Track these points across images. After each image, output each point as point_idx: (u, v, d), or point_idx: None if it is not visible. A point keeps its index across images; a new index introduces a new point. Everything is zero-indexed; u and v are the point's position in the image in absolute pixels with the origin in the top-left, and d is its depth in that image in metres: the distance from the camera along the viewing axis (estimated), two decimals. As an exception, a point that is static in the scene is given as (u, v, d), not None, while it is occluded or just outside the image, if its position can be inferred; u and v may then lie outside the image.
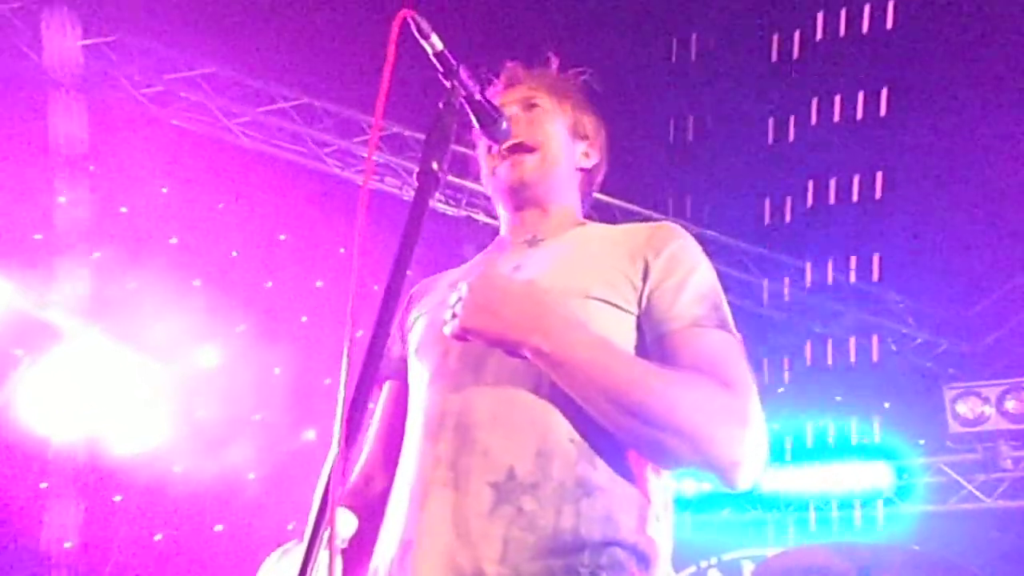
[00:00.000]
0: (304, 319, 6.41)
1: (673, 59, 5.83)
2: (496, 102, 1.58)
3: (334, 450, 0.91)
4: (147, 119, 6.06)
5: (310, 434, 6.11)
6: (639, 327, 1.36)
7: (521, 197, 1.57)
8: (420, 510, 1.30)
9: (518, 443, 1.27)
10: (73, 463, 5.11)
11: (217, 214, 6.19)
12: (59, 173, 5.48)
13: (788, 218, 6.36)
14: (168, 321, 5.66)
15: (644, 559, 1.27)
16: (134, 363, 5.54)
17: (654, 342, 1.34)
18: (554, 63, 1.68)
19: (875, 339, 6.72)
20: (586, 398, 1.20)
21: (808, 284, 6.66)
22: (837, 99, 5.93)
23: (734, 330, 1.36)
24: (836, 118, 5.96)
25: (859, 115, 5.93)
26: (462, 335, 1.25)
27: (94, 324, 5.44)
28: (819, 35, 5.74)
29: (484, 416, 1.31)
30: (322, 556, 0.88)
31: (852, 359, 6.62)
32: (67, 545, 5.12)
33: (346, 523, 1.29)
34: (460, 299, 1.27)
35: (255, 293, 6.28)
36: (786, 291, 6.59)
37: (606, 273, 1.39)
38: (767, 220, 6.41)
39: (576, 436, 1.27)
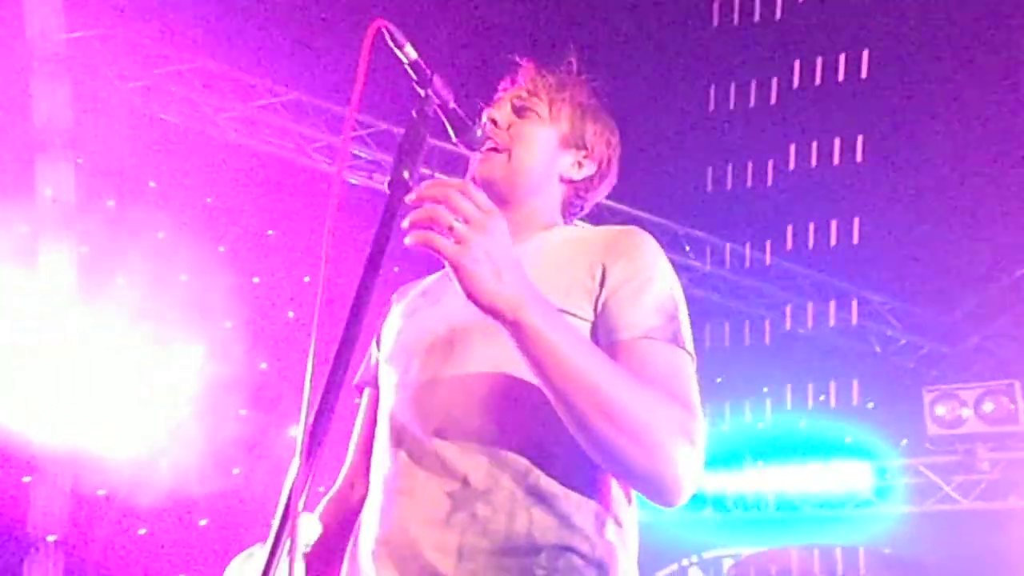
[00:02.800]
0: (291, 315, 6.42)
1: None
2: (496, 97, 1.59)
3: (297, 457, 0.93)
4: (136, 113, 6.05)
5: (295, 430, 6.11)
6: (594, 333, 1.35)
7: (489, 194, 1.57)
8: (383, 518, 1.32)
9: (473, 451, 1.28)
10: (58, 457, 5.11)
11: (205, 209, 6.19)
12: (43, 165, 5.47)
13: (773, 219, 6.40)
14: (154, 316, 5.66)
15: (602, 565, 1.28)
16: (120, 357, 5.53)
17: (606, 348, 1.30)
18: (573, 66, 1.64)
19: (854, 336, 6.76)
20: (557, 389, 1.17)
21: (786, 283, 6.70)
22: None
23: (688, 346, 1.34)
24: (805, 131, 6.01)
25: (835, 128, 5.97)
26: (458, 269, 1.10)
27: (80, 317, 5.43)
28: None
29: (441, 424, 1.32)
30: (284, 562, 0.90)
31: (835, 360, 6.68)
32: (51, 539, 5.12)
33: (310, 529, 1.31)
34: (469, 225, 1.10)
35: (242, 288, 6.27)
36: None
37: (562, 280, 1.38)
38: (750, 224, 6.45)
39: (531, 444, 1.28)
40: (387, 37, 1.27)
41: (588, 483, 1.30)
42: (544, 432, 1.27)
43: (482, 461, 1.28)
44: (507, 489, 1.26)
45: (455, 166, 6.39)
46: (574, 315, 1.35)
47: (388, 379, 1.47)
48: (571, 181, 1.61)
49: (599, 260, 1.39)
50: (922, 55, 5.88)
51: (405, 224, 1.11)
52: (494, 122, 1.55)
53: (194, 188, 6.15)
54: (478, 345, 1.36)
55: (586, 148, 1.60)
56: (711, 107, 6.11)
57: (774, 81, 5.99)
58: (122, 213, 5.95)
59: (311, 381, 0.98)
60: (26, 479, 5.16)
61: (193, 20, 5.91)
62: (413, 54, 1.31)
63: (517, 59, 1.65)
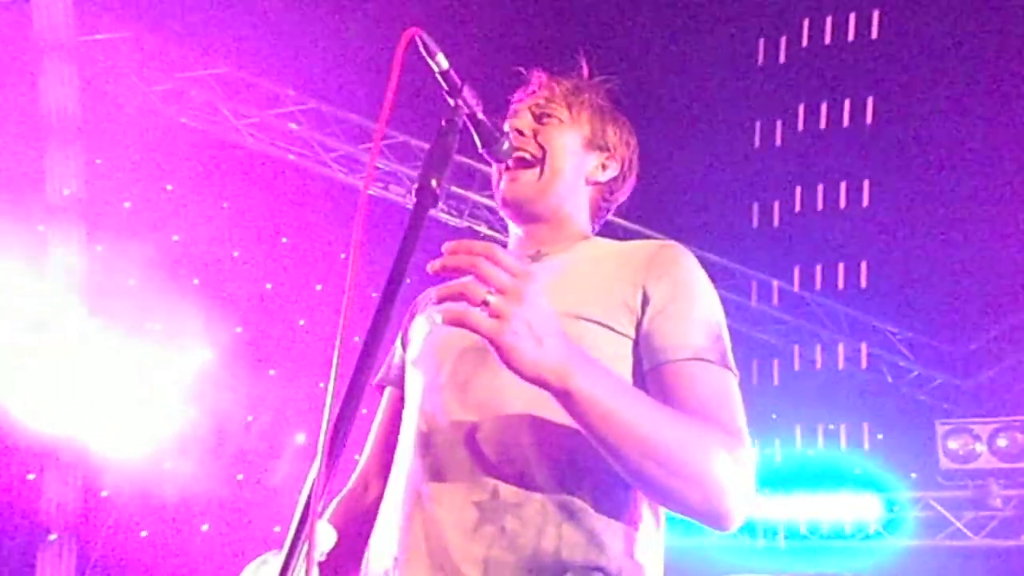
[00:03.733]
0: (302, 323, 6.42)
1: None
2: (512, 108, 1.58)
3: (317, 462, 0.91)
4: (156, 117, 6.09)
5: (300, 438, 6.10)
6: (635, 352, 1.34)
7: (520, 213, 1.55)
8: (406, 525, 1.30)
9: (504, 462, 1.26)
10: (63, 456, 5.11)
11: (220, 214, 6.21)
12: (56, 162, 5.49)
13: (786, 250, 6.38)
14: (165, 318, 5.67)
15: None
16: (129, 358, 5.53)
17: (652, 370, 1.31)
18: (584, 69, 1.63)
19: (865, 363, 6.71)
20: (609, 444, 1.15)
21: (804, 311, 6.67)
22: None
23: (733, 365, 1.33)
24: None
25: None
26: (501, 349, 1.05)
27: (91, 317, 5.44)
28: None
29: (472, 433, 1.30)
30: (299, 569, 0.88)
31: (846, 390, 6.63)
32: (52, 538, 5.11)
33: (326, 537, 1.29)
34: (504, 296, 1.05)
35: (254, 294, 6.28)
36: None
37: (603, 294, 1.37)
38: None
39: (563, 458, 1.27)
40: (420, 46, 1.27)
41: (619, 502, 1.29)
42: (578, 447, 1.25)
43: (513, 473, 1.26)
44: (537, 503, 1.24)
45: (468, 178, 6.39)
46: (614, 330, 1.34)
47: (415, 382, 1.45)
48: (597, 183, 1.60)
49: (641, 276, 1.38)
50: (929, 91, 5.90)
51: (433, 295, 1.09)
52: (519, 132, 1.53)
53: (210, 193, 6.17)
54: None
55: (609, 149, 1.59)
56: (727, 142, 6.14)
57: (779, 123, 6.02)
58: (138, 214, 5.98)
59: (334, 387, 0.96)
60: (30, 476, 5.15)
61: (216, 26, 5.96)
62: (445, 63, 1.30)
63: (523, 69, 1.64)
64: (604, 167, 1.59)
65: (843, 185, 6.09)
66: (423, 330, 1.51)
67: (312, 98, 6.28)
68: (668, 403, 1.26)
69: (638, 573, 1.28)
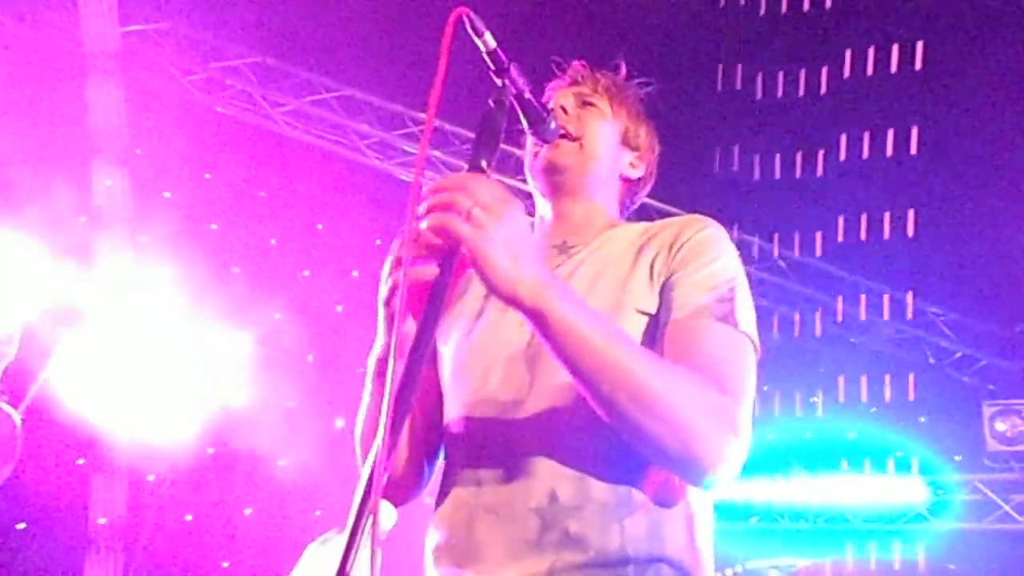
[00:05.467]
0: (339, 309, 6.46)
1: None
2: (553, 96, 1.57)
3: (379, 439, 0.91)
4: (192, 106, 6.14)
5: (340, 422, 6.16)
6: (654, 322, 1.34)
7: (557, 183, 1.54)
8: (467, 536, 1.30)
9: (559, 466, 1.26)
10: (111, 442, 5.21)
11: (257, 202, 6.26)
12: (99, 155, 5.57)
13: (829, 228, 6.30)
14: (206, 306, 5.74)
15: (690, 575, 1.27)
16: (171, 346, 5.62)
17: (661, 330, 1.31)
18: (622, 70, 1.65)
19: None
20: (580, 372, 1.15)
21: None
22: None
23: (745, 327, 1.30)
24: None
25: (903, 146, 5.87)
26: (476, 254, 1.06)
27: (134, 305, 5.53)
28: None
29: (525, 440, 1.29)
30: (363, 547, 0.88)
31: (889, 371, 6.53)
32: (101, 521, 5.22)
33: (387, 515, 1.29)
34: (486, 211, 1.06)
35: (292, 281, 6.34)
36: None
37: (636, 280, 1.37)
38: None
39: (622, 456, 1.26)
40: (467, 24, 1.26)
41: (676, 494, 1.30)
42: (632, 444, 1.24)
43: (571, 475, 1.25)
44: (597, 502, 1.25)
45: (498, 163, 6.37)
46: (643, 312, 1.34)
47: (459, 384, 1.43)
48: (627, 180, 1.62)
49: (664, 251, 1.38)
50: (977, 51, 5.75)
51: (421, 209, 1.09)
52: (564, 110, 1.54)
53: (248, 181, 6.23)
54: None
55: (639, 149, 1.61)
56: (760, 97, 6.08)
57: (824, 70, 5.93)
58: (177, 204, 6.05)
59: (394, 365, 0.96)
60: (80, 461, 5.26)
61: (250, 15, 5.99)
62: (492, 43, 1.29)
63: (559, 60, 1.64)
64: (634, 165, 1.61)
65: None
66: (460, 331, 1.47)
67: (346, 85, 6.29)
68: (671, 359, 1.25)
69: (698, 562, 1.28)
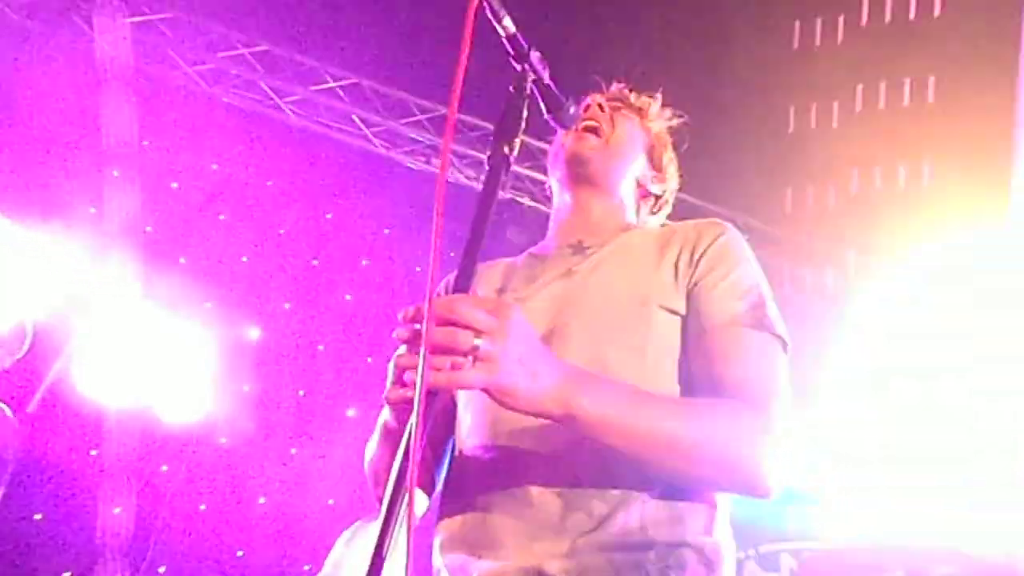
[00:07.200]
0: (348, 298, 6.47)
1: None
2: (590, 97, 1.62)
3: (411, 427, 0.91)
4: (199, 96, 6.14)
5: (351, 412, 6.18)
6: (683, 328, 1.35)
7: (580, 173, 1.57)
8: (482, 522, 1.29)
9: (580, 451, 1.25)
10: (125, 432, 5.23)
11: (265, 192, 6.26)
12: (109, 148, 5.57)
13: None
14: (215, 296, 5.75)
15: (711, 563, 1.27)
16: (183, 336, 5.64)
17: (694, 339, 1.33)
18: (658, 98, 1.70)
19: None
20: (628, 452, 1.16)
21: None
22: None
23: (778, 329, 1.33)
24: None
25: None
26: (499, 394, 1.04)
27: (144, 296, 5.55)
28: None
29: (541, 422, 1.27)
30: (399, 532, 0.89)
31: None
32: (116, 511, 5.25)
33: (419, 501, 1.30)
34: (490, 337, 1.01)
35: (301, 271, 6.35)
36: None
37: (652, 278, 1.39)
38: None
39: None
40: (487, 9, 1.26)
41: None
42: None
43: (593, 460, 1.25)
44: (620, 486, 1.25)
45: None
46: (670, 310, 1.36)
47: None
48: (645, 192, 1.66)
49: (687, 254, 1.40)
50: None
51: (403, 349, 1.04)
52: (599, 107, 1.60)
53: (255, 171, 6.23)
54: (576, 340, 1.35)
55: (661, 171, 1.68)
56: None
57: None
58: (185, 195, 6.05)
59: (425, 353, 0.96)
60: (93, 452, 5.29)
61: (256, 4, 5.97)
62: (512, 27, 1.30)
63: (599, 78, 1.70)
64: (654, 180, 1.67)
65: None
66: None
67: (353, 73, 6.28)
68: (705, 369, 1.29)
69: (717, 549, 1.29)
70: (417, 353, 0.97)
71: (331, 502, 5.83)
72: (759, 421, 1.22)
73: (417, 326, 1.01)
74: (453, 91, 1.19)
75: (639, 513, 1.24)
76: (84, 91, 5.40)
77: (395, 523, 0.89)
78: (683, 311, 1.36)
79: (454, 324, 1.01)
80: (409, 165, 6.44)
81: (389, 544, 0.88)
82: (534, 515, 1.25)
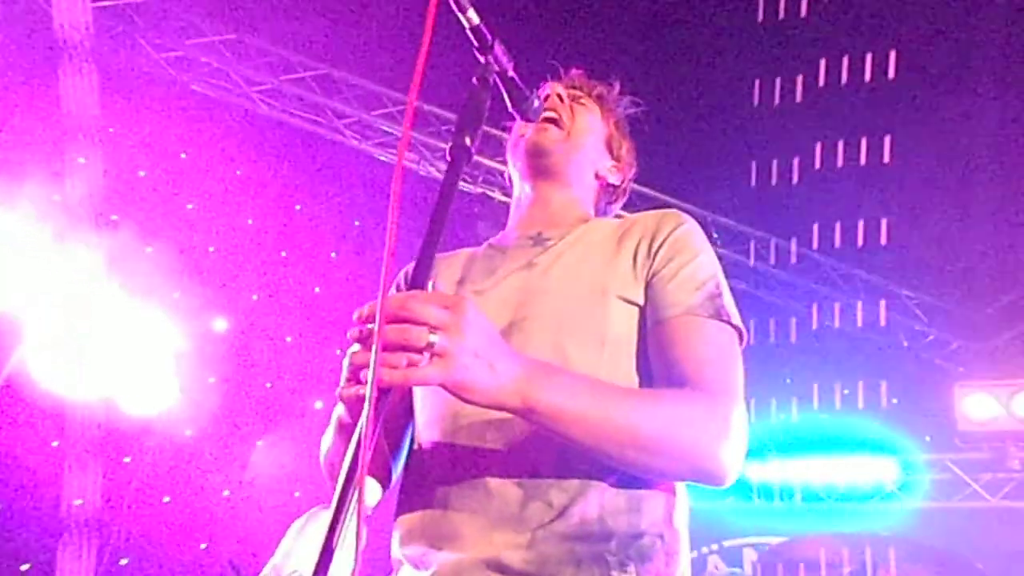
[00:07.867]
0: (317, 289, 6.43)
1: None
2: (548, 86, 1.61)
3: (364, 415, 0.91)
4: (168, 84, 6.06)
5: (319, 404, 6.15)
6: (640, 318, 1.36)
7: (539, 164, 1.57)
8: (442, 514, 1.29)
9: (539, 441, 1.25)
10: (86, 423, 5.17)
11: (234, 181, 6.20)
12: (72, 135, 5.48)
13: (802, 212, 6.34)
14: (182, 287, 5.69)
15: (670, 551, 1.28)
16: (148, 327, 5.57)
17: (651, 329, 1.33)
18: (616, 87, 1.70)
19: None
20: (585, 444, 1.16)
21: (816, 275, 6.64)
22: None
23: (734, 320, 1.34)
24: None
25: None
26: (456, 388, 1.03)
27: (110, 286, 5.47)
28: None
29: (499, 415, 1.24)
30: (349, 522, 0.89)
31: (863, 354, 6.62)
32: (77, 503, 5.18)
33: (371, 492, 1.29)
34: (445, 332, 1.00)
35: (270, 262, 6.30)
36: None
37: (611, 269, 1.39)
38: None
39: None
40: (451, 1, 1.25)
41: None
42: None
43: (551, 449, 1.25)
44: (578, 475, 1.25)
45: (483, 144, 6.35)
46: (629, 301, 1.36)
47: None
48: (604, 182, 1.66)
49: (645, 244, 1.40)
50: (953, 53, 5.83)
51: (357, 347, 1.02)
52: (560, 97, 1.58)
53: (224, 160, 6.16)
54: (536, 332, 1.35)
55: (620, 160, 1.67)
56: (748, 100, 6.09)
57: (799, 79, 5.97)
58: (152, 183, 5.98)
59: (378, 344, 0.96)
60: (54, 443, 5.22)
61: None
62: (476, 19, 1.29)
63: (556, 63, 1.69)
64: (612, 171, 1.66)
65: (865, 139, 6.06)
66: None
67: (324, 64, 6.23)
68: (662, 359, 1.29)
69: (675, 538, 1.30)
70: (371, 350, 0.95)
71: (297, 494, 5.80)
72: (716, 410, 1.23)
73: (371, 325, 1.00)
74: (415, 80, 1.19)
75: (598, 502, 1.24)
76: (45, 73, 5.30)
77: (346, 514, 0.89)
78: (641, 301, 1.36)
79: (408, 321, 0.99)
80: (380, 157, 6.41)
81: (339, 535, 0.88)
82: (494, 506, 1.24)
